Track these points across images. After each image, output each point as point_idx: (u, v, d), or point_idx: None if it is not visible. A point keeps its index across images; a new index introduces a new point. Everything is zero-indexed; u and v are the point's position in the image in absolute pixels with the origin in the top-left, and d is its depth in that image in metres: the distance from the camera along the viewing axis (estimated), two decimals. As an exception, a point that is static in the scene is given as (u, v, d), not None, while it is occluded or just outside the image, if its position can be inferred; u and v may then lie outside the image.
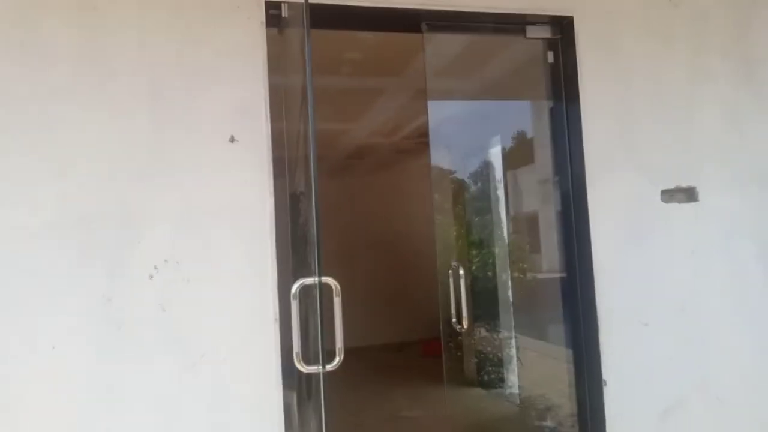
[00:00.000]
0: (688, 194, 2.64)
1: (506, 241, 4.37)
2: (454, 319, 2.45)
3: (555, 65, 2.64)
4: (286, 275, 2.16)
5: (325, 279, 1.74)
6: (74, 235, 1.97)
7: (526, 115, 3.62)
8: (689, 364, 2.54)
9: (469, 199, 4.66)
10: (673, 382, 2.51)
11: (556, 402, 3.61)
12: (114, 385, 1.98)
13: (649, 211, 2.59)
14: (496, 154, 4.39)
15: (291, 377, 2.23)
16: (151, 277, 2.03)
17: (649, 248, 2.56)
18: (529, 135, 3.84)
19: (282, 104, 2.35)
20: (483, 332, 4.87)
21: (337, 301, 1.76)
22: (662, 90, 2.64)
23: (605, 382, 2.45)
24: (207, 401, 2.05)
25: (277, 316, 2.12)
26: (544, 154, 2.86)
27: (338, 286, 1.76)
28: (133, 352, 1.99)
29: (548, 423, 3.67)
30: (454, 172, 4.62)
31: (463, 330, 2.43)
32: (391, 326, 7.66)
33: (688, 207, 2.63)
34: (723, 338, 2.60)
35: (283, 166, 2.38)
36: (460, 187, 4.59)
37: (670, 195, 2.62)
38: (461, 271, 2.45)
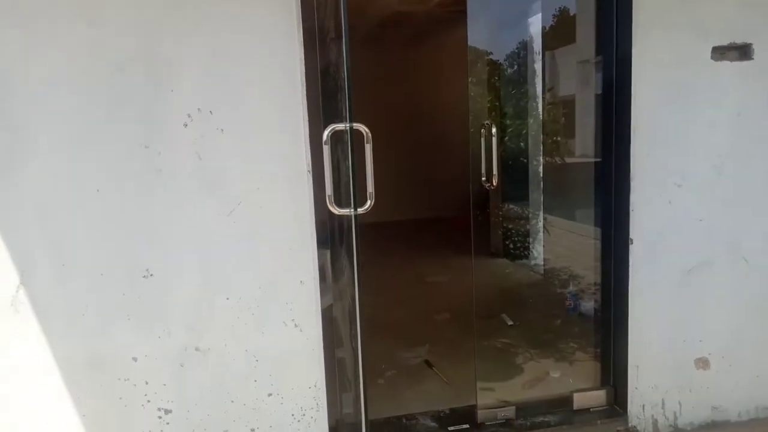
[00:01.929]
0: (742, 52, 2.47)
1: (540, 119, 4.26)
2: (483, 178, 2.46)
3: None
4: (317, 128, 2.16)
5: (356, 125, 1.73)
6: (108, 81, 1.98)
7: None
8: (720, 226, 2.54)
9: (504, 76, 4.49)
10: (701, 243, 2.53)
11: (580, 273, 3.72)
12: (156, 227, 2.10)
13: (697, 69, 2.45)
14: (535, 32, 4.13)
15: (324, 229, 2.31)
16: (185, 125, 2.06)
17: (692, 108, 2.46)
18: (574, 10, 3.56)
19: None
20: (511, 206, 4.92)
21: (368, 148, 1.77)
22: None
23: (632, 240, 2.48)
24: (244, 246, 2.17)
25: (310, 167, 2.16)
26: (586, 31, 2.69)
27: (369, 132, 1.75)
28: (174, 198, 2.09)
29: (570, 288, 3.82)
30: (491, 53, 4.41)
31: (492, 188, 2.44)
32: (422, 202, 7.77)
33: (740, 66, 2.47)
34: (759, 202, 2.56)
35: (313, 20, 2.28)
36: (495, 63, 4.40)
37: (721, 53, 2.45)
38: (493, 130, 2.41)
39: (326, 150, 1.76)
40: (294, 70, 2.10)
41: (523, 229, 4.96)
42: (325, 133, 1.75)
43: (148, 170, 2.05)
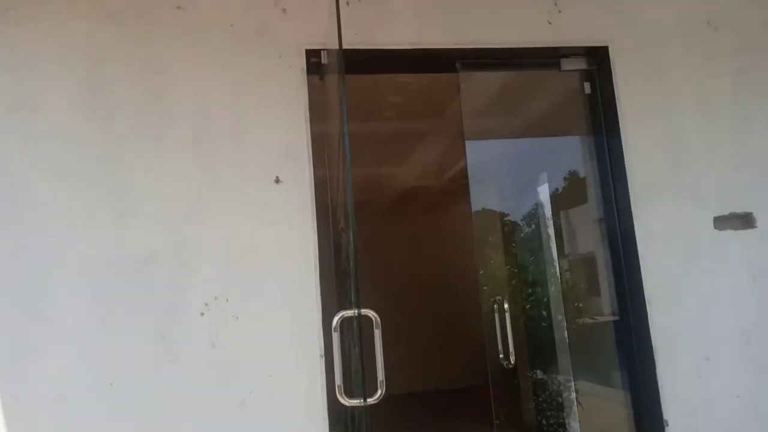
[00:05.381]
0: (745, 220, 2.53)
1: (560, 282, 4.25)
2: (501, 355, 2.40)
3: (593, 96, 2.64)
4: (330, 311, 2.19)
5: (365, 311, 1.75)
6: (132, 275, 2.09)
7: (575, 151, 3.58)
8: (760, 401, 2.36)
9: (519, 241, 4.59)
10: (743, 422, 2.34)
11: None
12: (168, 419, 2.04)
13: (704, 239, 2.48)
14: (544, 193, 4.33)
15: (338, 414, 2.23)
16: (202, 314, 2.11)
17: (706, 278, 2.45)
18: (581, 174, 3.78)
19: (324, 150, 2.45)
20: (539, 375, 4.69)
21: (378, 334, 1.76)
22: (708, 113, 2.58)
23: (667, 422, 2.30)
24: (255, 438, 2.08)
25: (323, 352, 2.15)
26: (597, 190, 2.82)
27: (378, 318, 1.77)
28: (186, 389, 2.06)
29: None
30: (507, 215, 4.58)
31: (510, 367, 2.37)
32: (444, 371, 7.49)
33: (745, 233, 2.51)
34: (797, 372, 2.41)
35: (327, 208, 2.46)
36: (508, 228, 4.53)
37: (724, 221, 2.51)
38: (506, 306, 2.41)
39: (335, 338, 1.76)
40: (308, 258, 2.19)
41: (554, 401, 4.66)
42: (335, 321, 1.77)
43: (162, 361, 2.06)
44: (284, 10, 2.34)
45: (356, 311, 1.76)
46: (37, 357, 2.00)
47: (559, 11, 2.54)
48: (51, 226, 2.07)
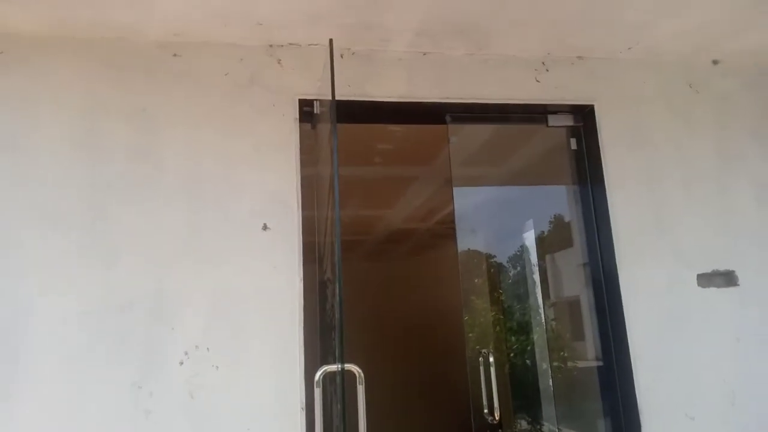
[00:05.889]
0: (727, 278, 2.55)
1: (544, 327, 4.23)
2: (485, 410, 2.36)
3: (579, 151, 2.70)
4: (313, 362, 2.15)
5: (348, 366, 1.73)
6: (113, 323, 2.05)
7: (560, 199, 3.64)
8: (747, 465, 2.34)
9: (505, 286, 4.59)
10: (730, 485, 2.31)
11: None
12: (139, 475, 1.96)
13: (687, 296, 2.50)
14: (530, 239, 4.36)
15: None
16: (181, 363, 2.06)
17: (689, 335, 2.45)
18: (567, 218, 3.82)
19: (314, 194, 2.46)
20: (524, 425, 4.61)
21: (361, 390, 1.73)
22: (691, 172, 2.64)
23: (652, 482, 2.27)
24: (230, 495, 2.00)
25: (304, 404, 2.10)
26: (582, 237, 2.85)
27: (362, 373, 1.74)
28: (160, 441, 1.99)
29: None
30: (494, 256, 4.59)
31: (494, 422, 2.33)
32: (430, 419, 7.33)
33: (728, 291, 2.53)
34: (782, 435, 2.40)
35: (314, 253, 2.44)
36: (493, 274, 4.53)
37: (707, 279, 2.54)
38: (491, 359, 2.39)
39: (317, 393, 1.73)
40: (293, 307, 2.16)
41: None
42: (317, 375, 1.74)
43: (136, 414, 1.99)
44: (279, 60, 2.39)
45: (339, 366, 1.73)
46: (7, 402, 1.93)
47: (547, 70, 2.62)
48: (31, 269, 2.04)
